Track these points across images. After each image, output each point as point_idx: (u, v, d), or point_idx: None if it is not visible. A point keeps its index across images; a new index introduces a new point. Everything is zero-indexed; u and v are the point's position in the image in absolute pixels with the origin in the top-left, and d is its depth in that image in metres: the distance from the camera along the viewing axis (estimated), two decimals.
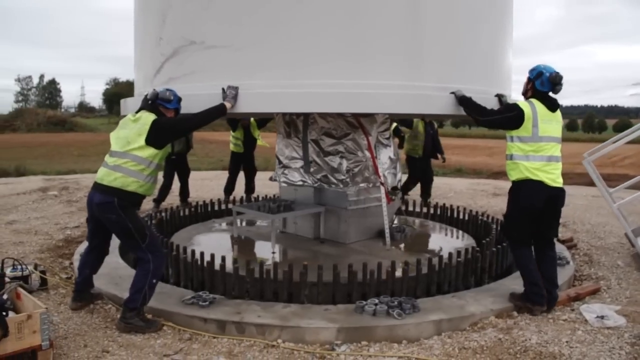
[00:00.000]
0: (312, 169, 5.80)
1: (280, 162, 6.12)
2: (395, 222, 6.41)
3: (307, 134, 5.78)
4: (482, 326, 3.52)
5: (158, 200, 7.74)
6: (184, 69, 4.44)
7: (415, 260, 4.21)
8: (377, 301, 3.67)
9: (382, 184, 5.73)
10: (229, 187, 8.18)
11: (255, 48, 4.15)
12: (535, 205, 3.75)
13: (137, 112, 3.76)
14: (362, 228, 5.75)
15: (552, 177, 3.76)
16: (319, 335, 3.40)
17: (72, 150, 24.76)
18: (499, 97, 4.70)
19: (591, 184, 5.96)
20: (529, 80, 3.98)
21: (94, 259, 3.90)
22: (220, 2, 4.24)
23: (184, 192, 8.11)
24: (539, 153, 3.76)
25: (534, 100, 3.86)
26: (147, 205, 7.60)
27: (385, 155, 5.99)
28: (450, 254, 4.51)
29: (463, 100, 4.24)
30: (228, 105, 3.93)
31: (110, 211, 3.50)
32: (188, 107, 4.08)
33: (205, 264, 4.22)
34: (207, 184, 10.73)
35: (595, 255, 5.49)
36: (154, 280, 3.53)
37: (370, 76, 4.27)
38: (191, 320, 3.56)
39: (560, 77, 3.90)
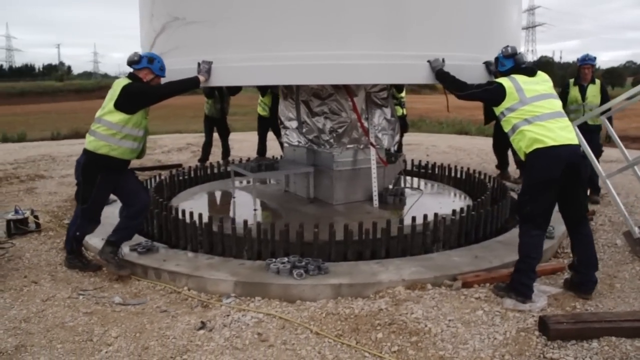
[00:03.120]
0: (304, 130, 5.86)
1: (281, 122, 6.26)
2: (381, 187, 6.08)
3: (299, 95, 5.81)
4: (382, 295, 3.41)
5: (202, 160, 8.41)
6: (170, 44, 4.64)
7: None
8: (286, 260, 3.75)
9: (372, 145, 5.57)
10: (261, 149, 8.55)
11: (230, 22, 4.22)
12: (553, 174, 3.28)
13: None
14: (353, 189, 5.69)
15: (565, 134, 3.33)
16: (218, 286, 3.62)
17: (187, 112, 27.20)
18: (487, 64, 4.35)
19: None
20: (497, 74, 3.80)
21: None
22: None
23: (225, 151, 8.70)
24: (536, 113, 3.40)
25: (512, 75, 3.61)
26: (192, 163, 8.36)
27: (380, 116, 5.77)
28: (401, 221, 4.32)
29: (440, 75, 4.09)
30: (202, 78, 4.08)
31: (76, 169, 3.97)
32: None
33: (165, 216, 4.65)
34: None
35: (603, 231, 4.78)
36: (78, 233, 3.99)
37: (347, 46, 4.17)
38: (124, 263, 4.02)
39: (514, 49, 3.71)
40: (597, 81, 6.18)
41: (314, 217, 5.07)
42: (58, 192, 6.39)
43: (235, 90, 8.25)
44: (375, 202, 5.54)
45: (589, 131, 5.78)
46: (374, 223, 4.21)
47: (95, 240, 4.34)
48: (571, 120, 5.12)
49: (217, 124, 8.39)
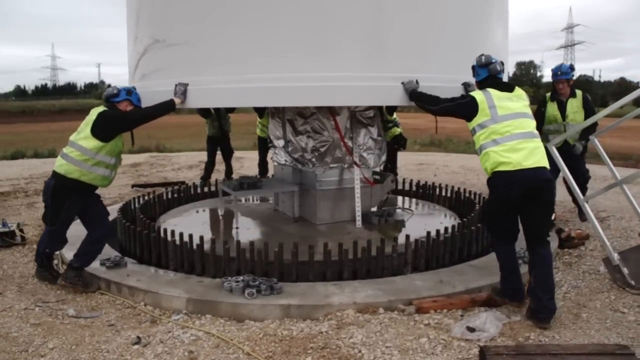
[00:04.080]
0: (289, 149, 5.87)
1: (270, 141, 6.31)
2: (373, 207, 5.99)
3: (284, 114, 5.85)
4: (330, 318, 3.33)
5: (204, 178, 8.55)
6: (152, 66, 4.75)
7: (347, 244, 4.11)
8: (240, 279, 3.73)
9: (356, 164, 5.53)
10: (262, 169, 8.61)
11: (208, 44, 4.28)
12: (512, 196, 3.32)
13: None
14: (338, 209, 5.65)
15: (532, 157, 3.30)
16: (172, 303, 3.64)
17: None
18: (466, 85, 4.34)
19: None
20: (476, 83, 3.79)
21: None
22: (178, 1, 4.44)
23: (228, 170, 8.84)
24: (506, 134, 3.37)
25: (487, 89, 3.58)
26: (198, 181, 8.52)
27: (366, 135, 5.73)
28: (369, 242, 4.22)
29: (414, 95, 4.08)
30: (177, 100, 4.13)
31: (45, 191, 3.97)
32: (155, 102, 4.25)
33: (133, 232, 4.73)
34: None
35: (590, 257, 4.52)
36: (47, 250, 4.08)
37: (327, 68, 4.17)
38: (91, 278, 4.10)
39: (488, 58, 3.66)
40: (579, 94, 5.30)
41: (291, 236, 5.06)
42: None
43: (232, 107, 8.37)
44: (358, 223, 5.47)
45: (572, 154, 5.18)
46: (340, 244, 4.15)
47: (71, 254, 4.41)
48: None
49: (219, 144, 8.53)
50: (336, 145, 5.50)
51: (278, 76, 4.21)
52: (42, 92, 71.91)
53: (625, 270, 3.76)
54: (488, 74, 3.61)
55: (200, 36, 4.35)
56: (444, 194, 6.74)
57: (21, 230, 5.08)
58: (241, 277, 3.76)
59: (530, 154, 3.33)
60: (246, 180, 5.73)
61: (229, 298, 3.56)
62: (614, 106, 3.87)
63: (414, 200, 6.95)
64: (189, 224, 5.84)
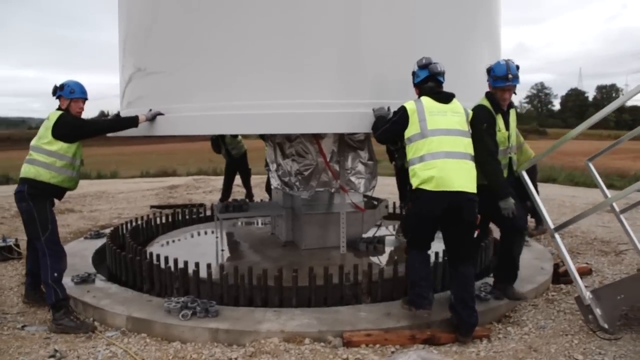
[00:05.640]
0: (279, 172, 5.88)
1: (266, 164, 6.37)
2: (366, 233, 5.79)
3: (274, 137, 5.89)
4: (254, 345, 3.22)
5: (221, 199, 8.76)
6: (135, 94, 4.96)
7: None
8: (181, 300, 3.73)
9: (343, 188, 5.40)
10: (270, 195, 8.63)
11: (184, 73, 4.38)
12: (433, 213, 3.28)
13: None
14: (326, 234, 5.53)
15: (456, 180, 3.19)
16: (115, 319, 3.72)
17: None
18: None
19: None
20: (415, 87, 3.65)
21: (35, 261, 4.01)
22: (157, 30, 4.63)
23: (247, 193, 9.00)
24: (432, 150, 3.26)
25: (422, 97, 3.49)
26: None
27: (355, 159, 5.60)
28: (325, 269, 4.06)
29: (377, 121, 3.92)
30: (142, 117, 4.24)
31: (21, 199, 3.80)
32: (139, 130, 4.44)
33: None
34: None
35: (576, 293, 4.01)
36: (55, 274, 3.72)
37: (298, 95, 4.14)
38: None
39: (428, 59, 3.53)
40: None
41: (272, 260, 5.03)
42: (70, 225, 7.13)
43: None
44: (342, 249, 5.31)
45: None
46: (294, 270, 4.05)
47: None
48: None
49: (235, 166, 8.73)
50: (321, 169, 5.42)
51: (250, 104, 4.16)
52: None
53: (597, 312, 3.28)
54: (428, 74, 3.46)
55: (175, 65, 4.47)
56: None
57: (17, 246, 5.47)
58: (182, 298, 3.77)
59: (456, 175, 3.17)
60: (232, 203, 5.79)
61: (164, 318, 3.57)
62: (578, 128, 3.48)
63: None
64: (180, 245, 5.97)
